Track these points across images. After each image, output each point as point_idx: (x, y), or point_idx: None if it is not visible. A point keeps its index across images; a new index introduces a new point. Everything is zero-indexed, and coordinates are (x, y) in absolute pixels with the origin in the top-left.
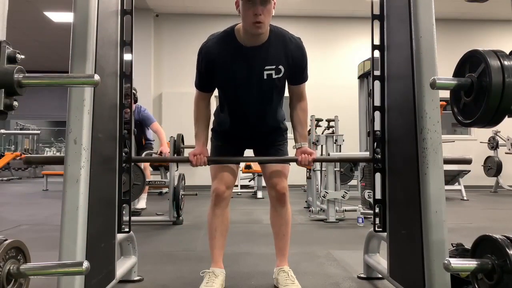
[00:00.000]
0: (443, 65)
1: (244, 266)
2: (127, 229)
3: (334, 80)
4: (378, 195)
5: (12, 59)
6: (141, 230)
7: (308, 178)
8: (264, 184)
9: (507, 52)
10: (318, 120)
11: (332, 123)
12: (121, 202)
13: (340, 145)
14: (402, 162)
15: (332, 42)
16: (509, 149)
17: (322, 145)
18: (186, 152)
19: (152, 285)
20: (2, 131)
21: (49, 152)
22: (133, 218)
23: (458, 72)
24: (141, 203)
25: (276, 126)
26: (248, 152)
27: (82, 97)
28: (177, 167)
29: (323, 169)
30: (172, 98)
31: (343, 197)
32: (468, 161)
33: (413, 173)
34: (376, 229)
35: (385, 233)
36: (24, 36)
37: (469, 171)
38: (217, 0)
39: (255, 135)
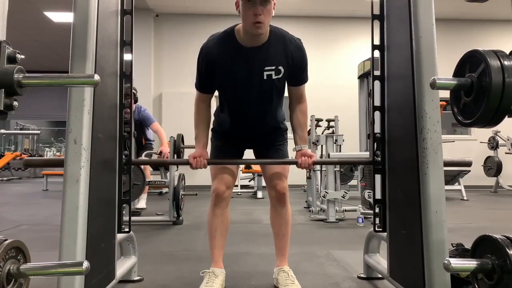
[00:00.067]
0: (443, 65)
1: (244, 266)
2: (127, 229)
3: (334, 80)
4: (378, 195)
5: (12, 59)
6: (141, 230)
7: (308, 178)
8: (264, 184)
9: (507, 52)
10: (318, 120)
11: (332, 123)
12: (121, 202)
13: (340, 145)
14: (402, 162)
15: (332, 42)
16: (509, 149)
17: (322, 145)
18: (186, 152)
19: (152, 285)
20: (2, 131)
21: (49, 152)
22: (133, 218)
23: (458, 72)
24: (141, 203)
25: (276, 126)
26: (248, 152)
27: (82, 97)
28: (177, 167)
29: (323, 169)
30: (172, 98)
31: (343, 197)
32: (468, 164)
33: (413, 173)
34: (376, 229)
35: (385, 233)
36: (24, 36)
37: (469, 171)
38: (217, 0)
39: (255, 135)
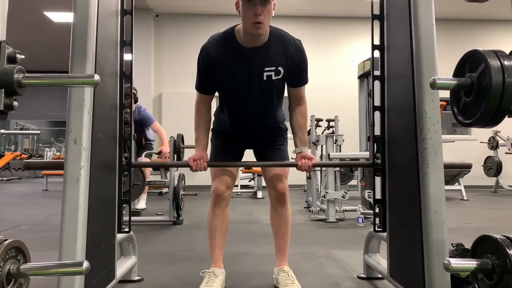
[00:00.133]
0: (443, 65)
1: (244, 266)
2: (127, 229)
3: (334, 80)
4: (378, 195)
5: (12, 59)
6: (141, 230)
7: (308, 178)
8: (264, 184)
9: (507, 52)
10: (318, 120)
11: (332, 123)
12: (121, 202)
13: (340, 145)
14: (402, 162)
15: (332, 42)
16: (509, 149)
17: (322, 145)
18: (186, 152)
19: (152, 285)
20: (2, 131)
21: (49, 152)
22: (133, 218)
23: (458, 72)
24: (141, 203)
25: (276, 126)
26: (248, 152)
27: (82, 97)
28: (177, 167)
29: (323, 169)
30: (172, 98)
31: (343, 197)
32: (468, 166)
33: (413, 173)
34: (376, 229)
35: (385, 233)
36: (24, 36)
37: (469, 171)
38: (217, 0)
39: (255, 135)
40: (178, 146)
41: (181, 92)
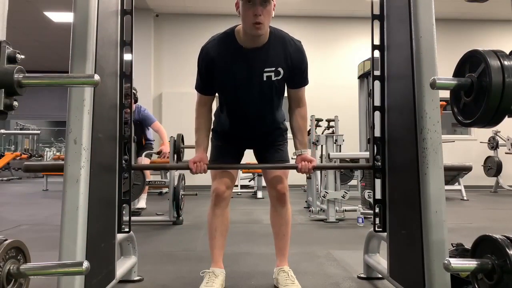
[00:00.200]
0: (443, 65)
1: (244, 266)
2: (127, 229)
3: (334, 80)
4: (378, 195)
5: (12, 59)
6: (141, 230)
7: (308, 178)
8: (264, 184)
9: (507, 52)
10: (318, 120)
11: (332, 123)
12: (121, 202)
13: (340, 145)
14: (402, 162)
15: (332, 42)
16: (509, 149)
17: (322, 145)
18: (186, 152)
19: (152, 285)
20: (2, 131)
21: (49, 152)
22: (133, 218)
23: (458, 72)
24: (141, 203)
25: (276, 126)
26: (248, 152)
27: (82, 97)
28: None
29: None
30: (172, 98)
31: (343, 197)
32: (468, 169)
33: (413, 173)
34: (376, 229)
35: (385, 233)
36: (24, 36)
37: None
38: (217, 0)
39: (255, 135)
40: (178, 146)
41: (181, 92)
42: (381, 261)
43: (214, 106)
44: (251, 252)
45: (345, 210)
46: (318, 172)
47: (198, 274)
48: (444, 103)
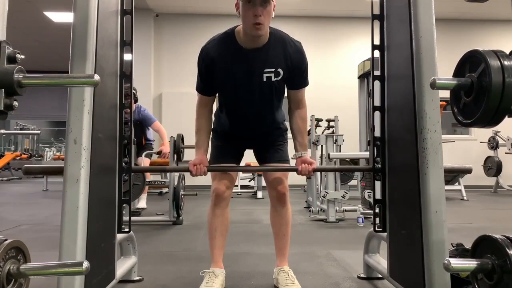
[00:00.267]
0: (443, 65)
1: (244, 266)
2: (127, 229)
3: (334, 80)
4: (378, 195)
5: (12, 59)
6: (141, 230)
7: (308, 178)
8: (264, 184)
9: (507, 52)
10: (318, 120)
11: (332, 123)
12: (121, 202)
13: (340, 145)
14: (402, 162)
15: (332, 42)
16: (509, 149)
17: (322, 145)
18: (186, 152)
19: (152, 285)
20: (2, 131)
21: (49, 152)
22: (133, 218)
23: (458, 72)
24: (141, 203)
25: (276, 126)
26: (249, 151)
27: (82, 97)
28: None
29: None
30: (172, 98)
31: (343, 197)
32: (468, 171)
33: (413, 173)
34: (376, 229)
35: (385, 233)
36: (24, 36)
37: None
38: (217, 0)
39: (255, 135)
40: (178, 146)
41: (181, 92)
42: (381, 261)
43: (214, 106)
44: (251, 252)
45: (345, 210)
46: (318, 172)
47: (198, 274)
48: (444, 103)
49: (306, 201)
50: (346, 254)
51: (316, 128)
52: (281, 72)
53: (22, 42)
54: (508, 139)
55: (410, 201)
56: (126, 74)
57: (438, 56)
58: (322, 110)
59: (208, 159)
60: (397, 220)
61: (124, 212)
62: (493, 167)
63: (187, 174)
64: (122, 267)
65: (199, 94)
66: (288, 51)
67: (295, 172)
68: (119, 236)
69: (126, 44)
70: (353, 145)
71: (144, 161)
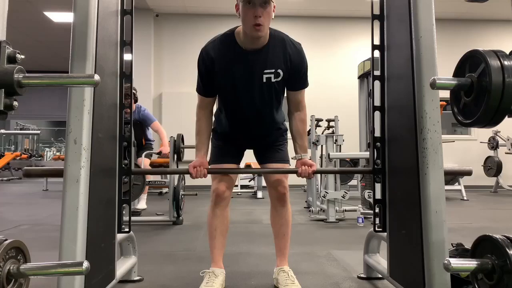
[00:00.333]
0: (443, 65)
1: (244, 266)
2: (127, 229)
3: (334, 80)
4: (378, 195)
5: (12, 59)
6: (141, 230)
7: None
8: (264, 184)
9: (507, 52)
10: (318, 120)
11: (332, 123)
12: (121, 202)
13: (340, 145)
14: (402, 162)
15: (332, 42)
16: (509, 149)
17: (322, 145)
18: (186, 152)
19: (152, 285)
20: (2, 131)
21: (49, 152)
22: (133, 218)
23: (458, 72)
24: (141, 203)
25: (276, 127)
26: (249, 152)
27: (82, 97)
28: (177, 166)
29: None
30: (172, 98)
31: (343, 197)
32: (468, 173)
33: (413, 173)
34: (376, 229)
35: (385, 233)
36: (24, 36)
37: None
38: (217, 0)
39: (255, 136)
40: (178, 146)
41: (181, 92)
42: (381, 261)
43: (214, 107)
44: (251, 252)
45: (345, 210)
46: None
47: (198, 274)
48: (444, 103)
49: (306, 201)
50: (346, 254)
51: (316, 128)
52: (281, 73)
53: (22, 42)
54: (508, 139)
55: (410, 201)
56: (126, 74)
57: (438, 56)
58: (322, 110)
59: (208, 159)
60: (397, 220)
61: (124, 212)
62: (493, 167)
63: (187, 175)
64: (122, 267)
65: (199, 96)
66: (288, 52)
67: (295, 175)
68: (119, 236)
69: (126, 44)
70: (353, 145)
71: (144, 162)
